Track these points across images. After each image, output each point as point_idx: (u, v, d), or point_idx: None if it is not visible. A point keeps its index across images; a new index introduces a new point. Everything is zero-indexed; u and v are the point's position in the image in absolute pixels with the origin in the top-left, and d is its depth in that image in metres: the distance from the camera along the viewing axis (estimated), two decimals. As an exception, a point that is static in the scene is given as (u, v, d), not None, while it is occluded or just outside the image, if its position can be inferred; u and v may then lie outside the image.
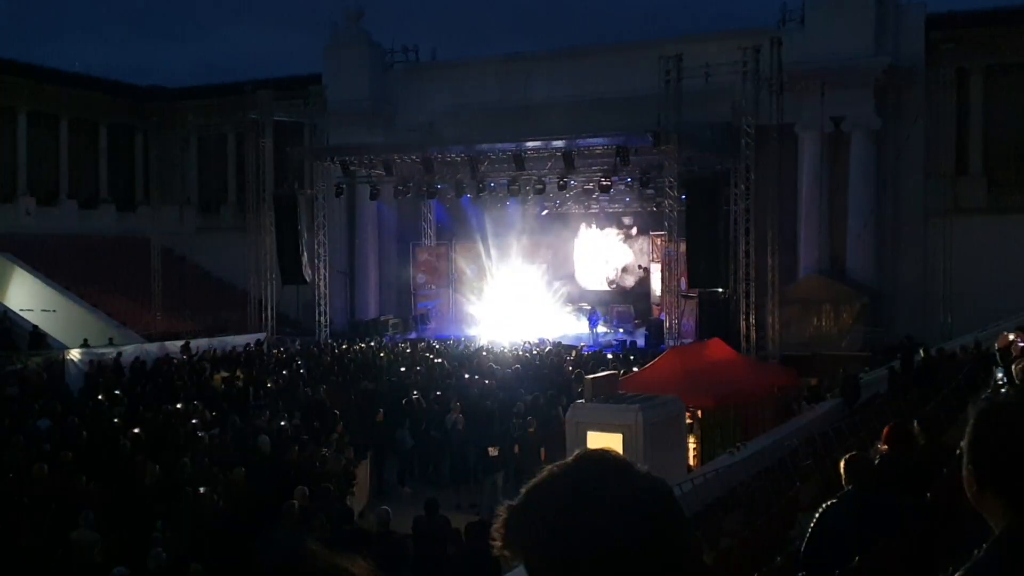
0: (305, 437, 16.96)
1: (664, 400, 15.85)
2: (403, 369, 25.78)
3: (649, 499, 1.48)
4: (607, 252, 39.36)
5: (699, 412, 18.62)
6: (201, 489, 12.79)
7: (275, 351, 30.73)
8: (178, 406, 19.41)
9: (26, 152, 44.28)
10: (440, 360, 27.27)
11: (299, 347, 32.07)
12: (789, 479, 13.37)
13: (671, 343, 28.80)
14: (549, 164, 31.73)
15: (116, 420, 17.98)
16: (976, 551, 1.96)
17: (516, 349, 30.24)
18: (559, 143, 30.87)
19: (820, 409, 21.13)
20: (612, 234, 39.20)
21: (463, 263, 40.10)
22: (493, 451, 17.68)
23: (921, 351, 22.87)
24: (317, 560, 1.40)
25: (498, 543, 1.52)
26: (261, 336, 34.02)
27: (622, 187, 33.09)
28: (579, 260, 39.71)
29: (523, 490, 1.54)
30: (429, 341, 33.52)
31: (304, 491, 12.12)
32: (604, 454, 1.56)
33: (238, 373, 25.20)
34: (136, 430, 16.71)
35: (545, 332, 33.53)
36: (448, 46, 59.77)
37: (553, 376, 24.24)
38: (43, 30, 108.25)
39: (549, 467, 1.56)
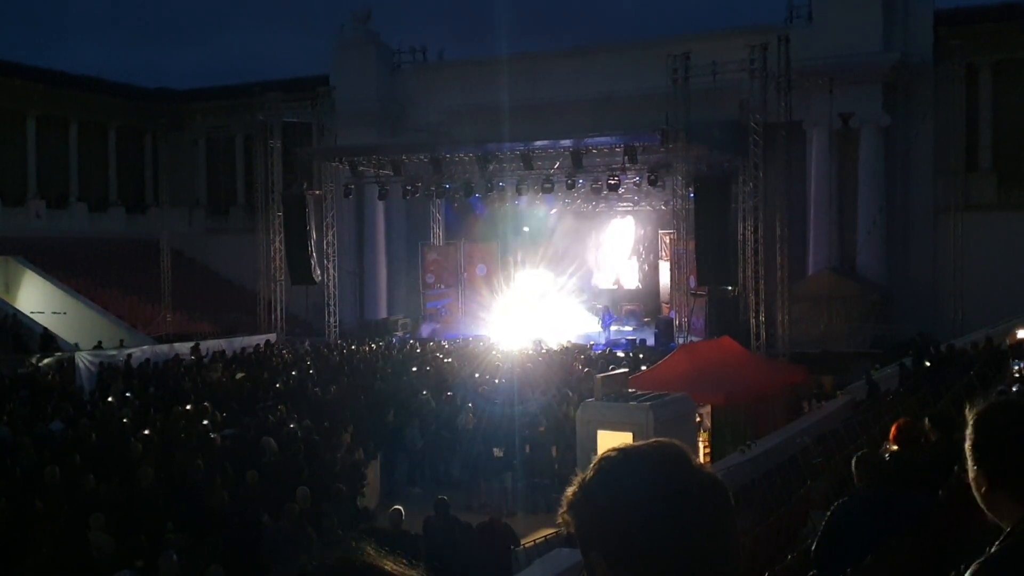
0: (315, 438, 16.97)
1: (674, 398, 15.82)
2: (414, 369, 25.78)
3: (707, 488, 1.57)
4: (616, 251, 39.34)
5: (709, 410, 18.59)
6: (212, 490, 12.81)
7: (284, 352, 30.77)
8: (187, 407, 19.44)
9: (36, 155, 44.47)
10: (450, 360, 27.28)
11: (309, 347, 32.11)
12: (800, 477, 13.34)
13: (681, 341, 28.75)
14: (557, 163, 31.72)
15: (125, 420, 18.03)
16: (988, 548, 1.96)
17: (526, 348, 30.24)
18: (567, 142, 30.86)
19: (831, 407, 21.09)
20: (620, 232, 39.17)
21: (472, 263, 40.11)
22: (498, 452, 17.68)
23: (932, 347, 22.83)
24: (372, 562, 1.44)
25: (563, 508, 1.63)
26: (271, 337, 34.09)
27: (631, 186, 33.07)
28: (589, 259, 39.68)
29: (594, 463, 1.63)
30: (439, 341, 33.54)
31: (306, 492, 12.11)
32: (672, 444, 1.64)
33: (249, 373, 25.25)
34: (147, 431, 16.76)
35: (556, 331, 33.52)
36: (456, 46, 59.77)
37: (563, 375, 24.23)
38: (52, 34, 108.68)
39: (622, 446, 1.64)
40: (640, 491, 1.54)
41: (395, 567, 1.45)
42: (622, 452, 1.63)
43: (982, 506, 2.04)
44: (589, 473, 1.62)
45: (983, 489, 2.02)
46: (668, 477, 1.56)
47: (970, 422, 2.08)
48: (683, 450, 1.63)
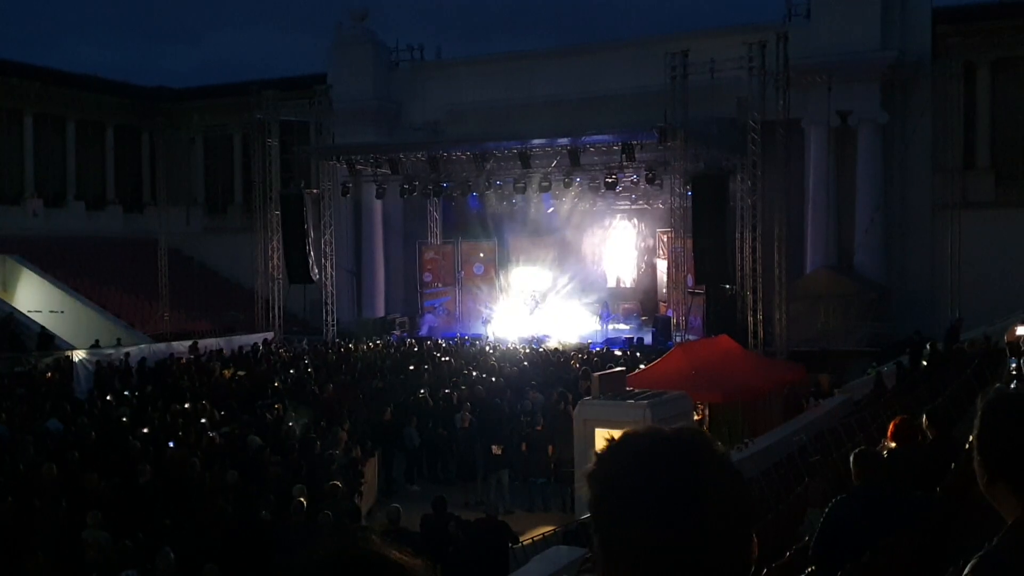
0: (312, 436, 16.97)
1: (672, 396, 15.83)
2: (411, 367, 25.78)
3: (726, 472, 1.53)
4: (614, 249, 39.31)
5: (707, 408, 18.59)
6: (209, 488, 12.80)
7: (282, 350, 30.75)
8: (186, 406, 19.45)
9: (33, 154, 44.41)
10: (448, 358, 27.27)
11: (306, 346, 32.10)
12: (798, 474, 13.32)
13: (678, 339, 28.75)
14: (555, 161, 31.70)
15: (124, 419, 18.02)
16: (988, 543, 1.96)
17: (524, 346, 30.24)
18: (565, 140, 30.85)
19: (828, 405, 21.07)
20: (618, 231, 39.15)
21: (470, 261, 40.11)
22: (497, 449, 17.69)
23: (928, 346, 22.79)
24: (375, 549, 1.43)
25: (584, 473, 1.58)
26: (268, 335, 34.08)
27: (628, 184, 33.05)
28: (586, 257, 39.65)
29: (622, 432, 1.58)
30: (437, 339, 33.53)
31: (302, 489, 12.11)
32: (700, 430, 1.61)
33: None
34: (145, 430, 16.75)
35: (553, 330, 33.51)
36: (453, 44, 59.91)
37: (560, 373, 24.23)
38: (49, 32, 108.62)
39: (652, 426, 1.60)
40: (642, 479, 1.48)
41: (400, 556, 1.44)
42: (648, 428, 1.56)
43: (986, 496, 2.04)
44: (616, 439, 1.57)
45: (983, 480, 2.02)
46: (681, 468, 1.48)
47: (979, 412, 2.07)
48: (707, 435, 1.56)
